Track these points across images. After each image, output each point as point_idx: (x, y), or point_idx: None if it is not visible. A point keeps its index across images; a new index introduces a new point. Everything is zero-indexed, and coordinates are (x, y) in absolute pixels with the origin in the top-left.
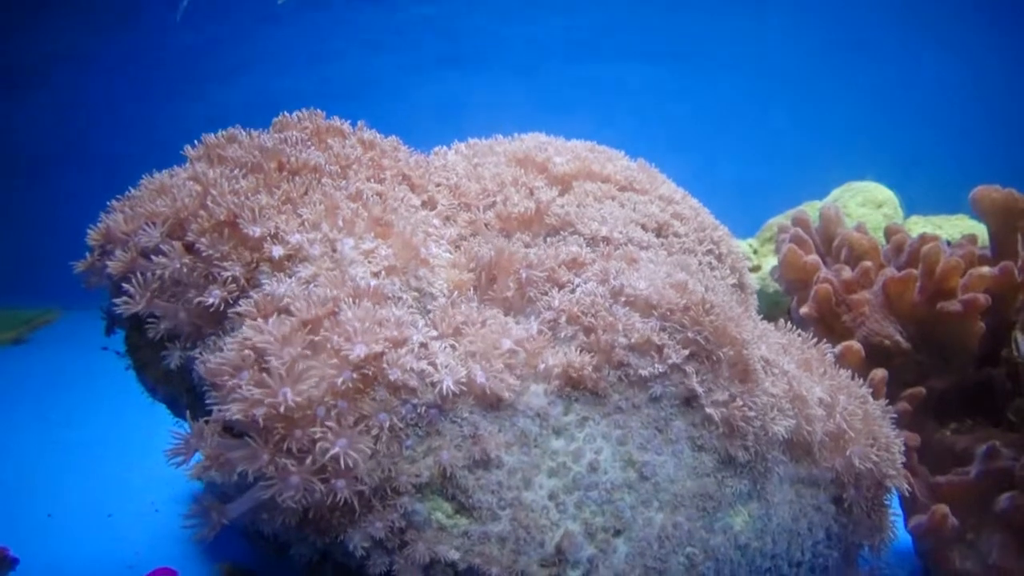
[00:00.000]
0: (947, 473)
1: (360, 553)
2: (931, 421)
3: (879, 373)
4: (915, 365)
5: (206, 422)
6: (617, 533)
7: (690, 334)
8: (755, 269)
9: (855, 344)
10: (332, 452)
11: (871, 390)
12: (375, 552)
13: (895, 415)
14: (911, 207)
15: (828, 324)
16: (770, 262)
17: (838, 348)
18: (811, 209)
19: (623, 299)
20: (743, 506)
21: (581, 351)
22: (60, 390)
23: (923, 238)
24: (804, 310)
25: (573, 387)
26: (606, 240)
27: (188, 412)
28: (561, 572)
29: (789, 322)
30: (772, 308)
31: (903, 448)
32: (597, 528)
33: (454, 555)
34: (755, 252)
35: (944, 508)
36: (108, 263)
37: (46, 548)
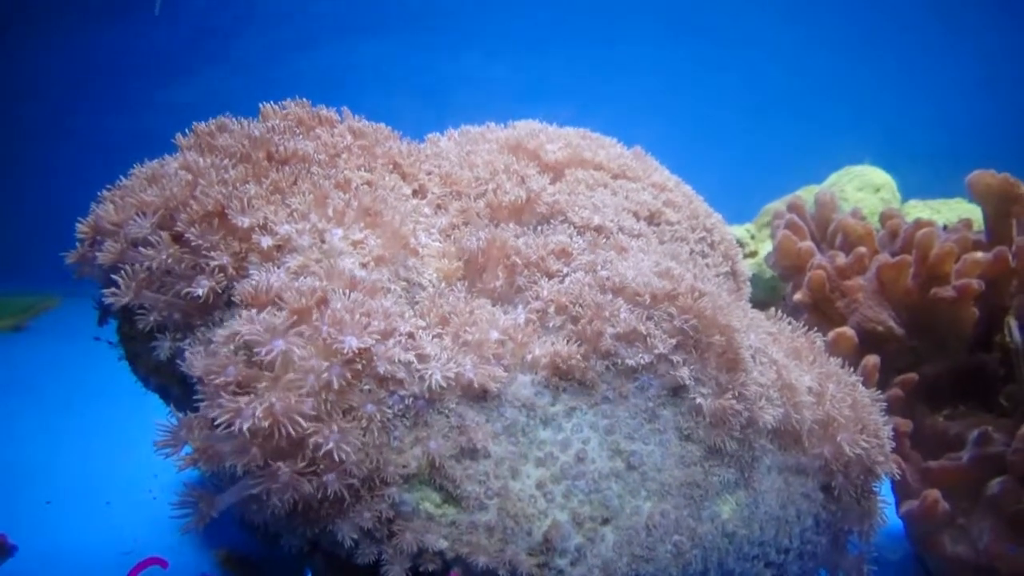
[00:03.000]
0: (939, 459)
1: (349, 543)
2: (923, 407)
3: (871, 359)
4: (908, 351)
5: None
6: (605, 522)
7: (677, 323)
8: (751, 255)
9: (848, 330)
10: (326, 448)
11: (863, 377)
12: (364, 542)
13: (886, 402)
14: (909, 191)
15: (822, 310)
16: (767, 248)
17: (831, 334)
18: (808, 194)
19: (611, 288)
20: (730, 494)
21: (569, 341)
22: (58, 378)
23: (918, 223)
24: (798, 296)
25: (561, 377)
26: (597, 229)
27: (177, 403)
28: (549, 561)
29: (782, 310)
30: (769, 294)
31: (892, 434)
32: (585, 517)
33: (442, 544)
34: (752, 238)
35: (935, 493)
36: (98, 254)
37: (44, 535)
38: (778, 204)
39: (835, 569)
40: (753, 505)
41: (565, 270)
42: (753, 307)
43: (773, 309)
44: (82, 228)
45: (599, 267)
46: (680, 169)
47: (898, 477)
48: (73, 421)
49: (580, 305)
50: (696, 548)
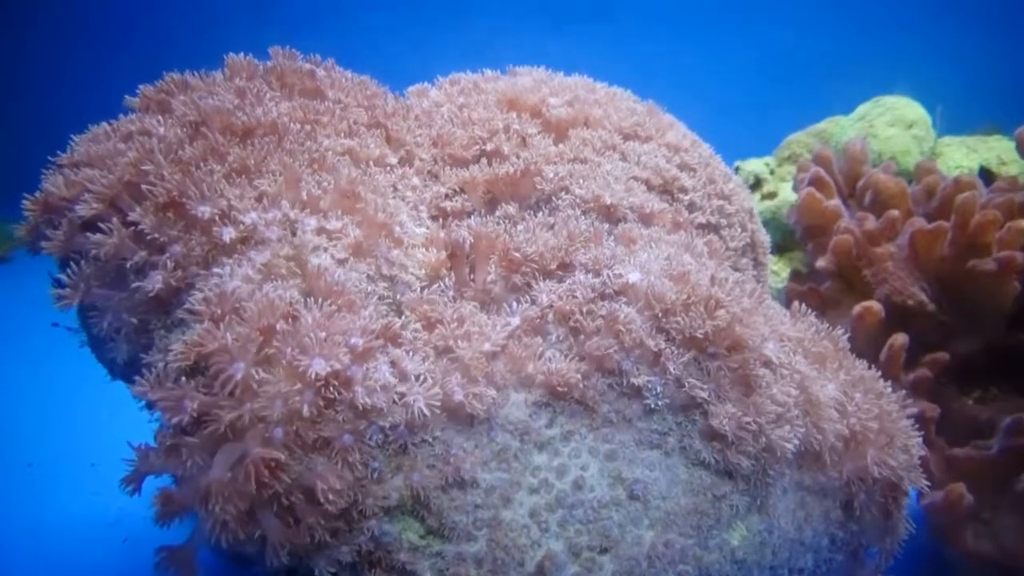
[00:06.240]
0: (966, 445)
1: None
2: (952, 388)
3: (898, 340)
4: (939, 326)
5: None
6: (603, 551)
7: (689, 335)
8: (770, 196)
9: (875, 304)
10: (305, 485)
11: (888, 360)
12: (343, 573)
13: (912, 383)
14: (945, 125)
15: (847, 279)
16: (787, 187)
17: (856, 308)
18: (836, 126)
19: (616, 294)
20: (741, 521)
21: (568, 357)
22: (45, 315)
23: (958, 184)
24: (821, 263)
25: (558, 396)
26: (605, 209)
27: None
28: None
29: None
30: (787, 238)
31: (916, 421)
32: (582, 547)
33: (427, 574)
34: (772, 173)
35: (960, 487)
36: (43, 244)
37: (25, 503)
38: (803, 136)
39: None
40: (767, 531)
41: (560, 273)
42: (771, 252)
43: (796, 304)
44: (30, 205)
45: (603, 268)
46: (693, 100)
47: (924, 487)
48: (57, 368)
49: (581, 314)
50: None
